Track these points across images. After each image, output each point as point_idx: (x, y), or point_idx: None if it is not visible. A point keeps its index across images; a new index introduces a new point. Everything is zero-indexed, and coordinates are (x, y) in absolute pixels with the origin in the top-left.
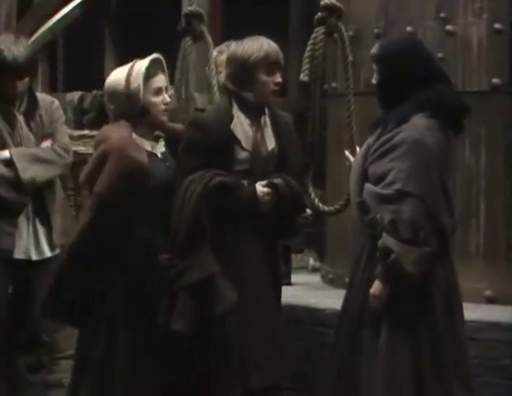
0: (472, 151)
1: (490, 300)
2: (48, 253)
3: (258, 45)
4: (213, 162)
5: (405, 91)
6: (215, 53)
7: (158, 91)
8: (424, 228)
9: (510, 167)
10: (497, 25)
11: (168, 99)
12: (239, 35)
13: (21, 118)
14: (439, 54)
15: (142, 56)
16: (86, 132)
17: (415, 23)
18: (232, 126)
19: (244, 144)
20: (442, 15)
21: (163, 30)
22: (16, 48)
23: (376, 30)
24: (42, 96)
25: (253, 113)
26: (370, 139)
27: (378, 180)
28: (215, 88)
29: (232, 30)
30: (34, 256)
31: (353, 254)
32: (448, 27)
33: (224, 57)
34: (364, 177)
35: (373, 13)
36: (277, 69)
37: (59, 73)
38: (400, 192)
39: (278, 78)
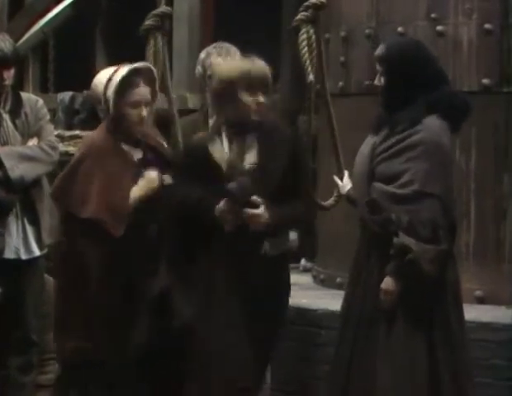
0: (463, 151)
1: (481, 300)
2: (37, 252)
3: (240, 64)
4: (192, 178)
5: (412, 92)
6: (202, 55)
7: (135, 104)
8: (443, 227)
9: (500, 167)
10: (487, 26)
11: (144, 114)
12: (231, 36)
13: (6, 116)
14: None
15: (133, 57)
16: (77, 132)
17: (406, 23)
18: (210, 144)
19: (219, 161)
20: (432, 15)
21: None
22: (1, 40)
23: (367, 31)
24: (26, 96)
25: (234, 130)
26: (374, 140)
27: (390, 179)
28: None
29: (223, 31)
30: (23, 256)
31: (357, 253)
32: (439, 28)
33: (212, 59)
34: (371, 177)
35: (364, 14)
36: (260, 89)
37: (49, 73)
38: (418, 193)
39: (260, 99)
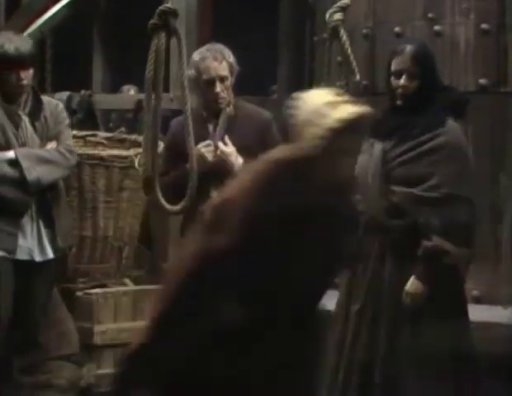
0: None
1: (477, 300)
2: (51, 255)
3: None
4: None
5: (431, 93)
6: (197, 57)
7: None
8: (475, 230)
9: (497, 167)
10: (484, 26)
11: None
12: (229, 35)
13: (25, 118)
14: None
15: (130, 57)
16: (74, 132)
17: (404, 23)
18: None
19: None
20: (430, 15)
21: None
22: (17, 39)
23: (364, 31)
24: (47, 99)
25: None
26: (384, 144)
27: (412, 183)
28: (187, 89)
29: (221, 30)
30: (37, 258)
31: (368, 257)
32: (436, 27)
33: (207, 63)
34: (385, 182)
35: (362, 14)
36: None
37: (47, 72)
38: (450, 196)
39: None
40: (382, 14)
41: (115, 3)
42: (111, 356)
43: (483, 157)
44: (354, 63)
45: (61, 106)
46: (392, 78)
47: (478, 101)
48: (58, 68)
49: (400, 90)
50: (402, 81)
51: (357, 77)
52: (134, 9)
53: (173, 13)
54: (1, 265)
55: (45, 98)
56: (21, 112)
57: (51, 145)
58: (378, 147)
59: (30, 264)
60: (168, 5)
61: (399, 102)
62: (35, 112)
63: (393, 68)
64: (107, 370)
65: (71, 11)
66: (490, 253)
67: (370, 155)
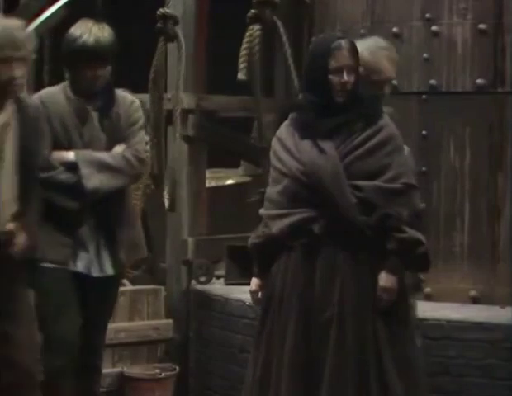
0: (457, 151)
1: (475, 300)
2: (110, 271)
3: None
4: None
5: (362, 86)
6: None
7: None
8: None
9: (495, 167)
10: (481, 26)
11: None
12: (226, 37)
13: (94, 114)
14: (424, 55)
15: (127, 57)
16: None
17: (401, 23)
18: None
19: None
20: (427, 15)
21: (149, 31)
22: (99, 30)
23: (362, 31)
24: (122, 95)
25: None
26: (333, 142)
27: (372, 175)
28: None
29: (219, 32)
30: (94, 273)
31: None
32: (434, 28)
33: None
34: (345, 178)
35: (359, 14)
36: None
37: (45, 73)
38: (408, 185)
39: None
40: (380, 14)
41: (112, 4)
42: (109, 356)
43: (481, 157)
44: (241, 60)
45: (137, 103)
46: (331, 76)
47: (476, 101)
48: (56, 69)
49: (341, 86)
50: (345, 77)
51: (239, 75)
52: (132, 10)
53: (171, 18)
54: (54, 275)
55: (120, 93)
56: (89, 107)
57: (119, 149)
58: (328, 144)
59: (87, 278)
60: (164, 10)
61: (339, 99)
62: (106, 108)
63: (333, 65)
64: (105, 369)
65: (68, 11)
66: (488, 253)
67: (318, 154)
